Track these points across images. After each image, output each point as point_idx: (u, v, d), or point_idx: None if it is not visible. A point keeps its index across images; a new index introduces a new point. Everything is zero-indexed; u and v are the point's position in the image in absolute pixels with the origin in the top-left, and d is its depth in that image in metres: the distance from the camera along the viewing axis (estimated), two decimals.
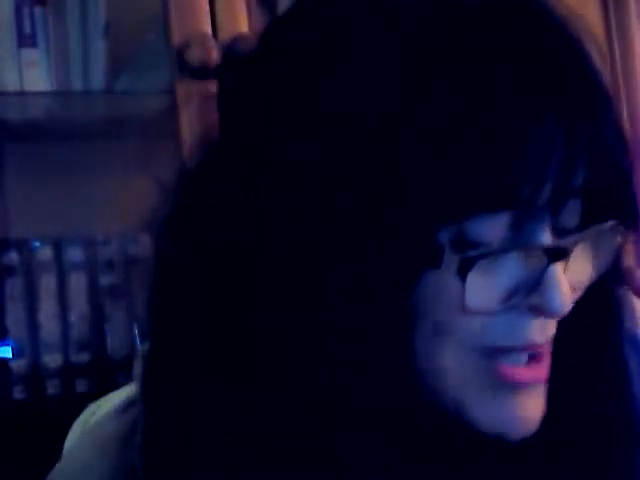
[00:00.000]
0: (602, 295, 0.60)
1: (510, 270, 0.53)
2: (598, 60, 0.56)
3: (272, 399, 0.54)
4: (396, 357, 0.53)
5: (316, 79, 0.54)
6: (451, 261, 0.52)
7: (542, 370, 0.56)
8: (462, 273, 0.52)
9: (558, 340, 0.57)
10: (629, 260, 0.59)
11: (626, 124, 1.86)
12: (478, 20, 0.53)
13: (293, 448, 0.54)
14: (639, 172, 0.58)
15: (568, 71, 0.54)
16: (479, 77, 0.51)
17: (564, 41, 0.55)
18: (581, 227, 0.56)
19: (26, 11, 1.48)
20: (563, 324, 0.56)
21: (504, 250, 0.53)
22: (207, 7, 1.32)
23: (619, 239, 0.57)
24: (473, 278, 0.52)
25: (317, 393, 0.53)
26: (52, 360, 1.46)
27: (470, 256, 0.52)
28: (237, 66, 0.59)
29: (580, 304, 0.57)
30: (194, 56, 1.25)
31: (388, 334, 0.52)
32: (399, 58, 0.52)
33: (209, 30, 1.30)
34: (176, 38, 1.30)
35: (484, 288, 0.52)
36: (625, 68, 1.71)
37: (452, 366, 0.55)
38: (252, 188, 0.54)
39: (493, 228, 0.53)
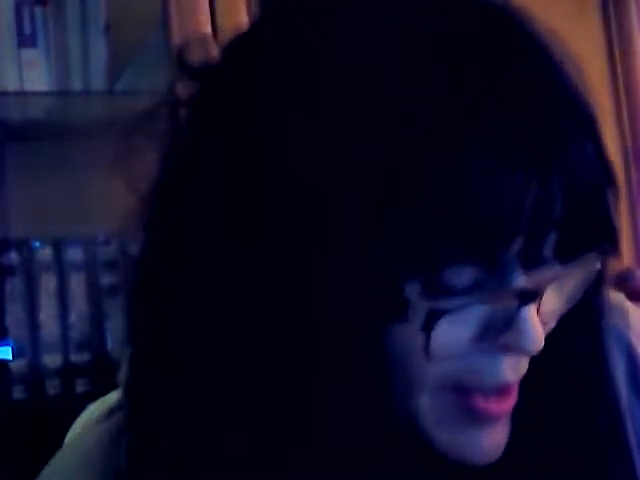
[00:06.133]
0: (581, 324, 0.58)
1: (479, 316, 0.52)
2: (579, 83, 0.54)
3: (254, 403, 0.53)
4: (372, 397, 0.52)
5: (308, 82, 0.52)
6: (419, 311, 0.51)
7: (510, 402, 0.55)
8: (427, 327, 0.51)
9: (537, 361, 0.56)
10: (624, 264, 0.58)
11: (626, 125, 1.85)
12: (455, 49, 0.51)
13: (273, 455, 0.53)
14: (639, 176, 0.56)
15: (541, 111, 0.51)
16: (446, 125, 0.49)
17: (533, 72, 0.52)
18: (557, 254, 0.54)
19: (26, 11, 1.48)
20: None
21: (472, 302, 0.51)
22: (207, 7, 1.33)
23: (597, 267, 0.55)
24: (440, 328, 0.51)
25: (291, 401, 0.53)
26: (52, 360, 1.46)
27: (436, 310, 0.51)
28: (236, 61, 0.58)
29: (560, 325, 0.56)
30: (194, 56, 1.24)
31: (362, 374, 0.52)
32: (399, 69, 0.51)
33: (209, 30, 1.30)
34: (176, 38, 1.30)
35: (451, 336, 0.51)
36: (625, 68, 1.71)
37: (425, 405, 0.54)
38: (234, 184, 0.53)
39: (464, 275, 0.51)
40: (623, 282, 1.56)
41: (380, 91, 0.51)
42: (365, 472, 0.53)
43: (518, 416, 0.56)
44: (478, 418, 0.55)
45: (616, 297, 0.68)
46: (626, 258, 1.62)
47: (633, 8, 1.71)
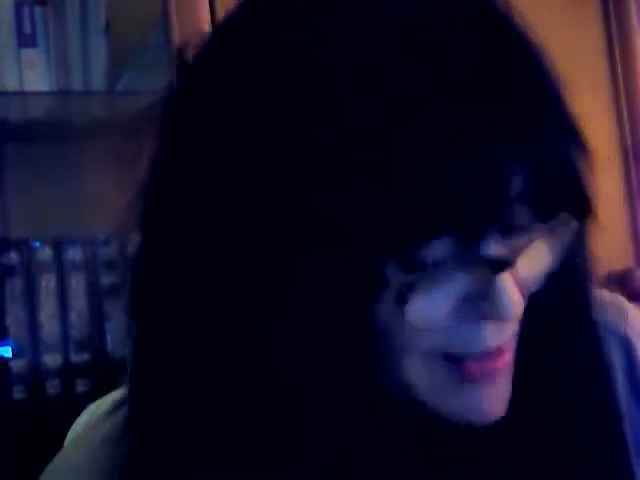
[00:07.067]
0: (567, 287, 0.59)
1: (454, 286, 0.53)
2: (538, 57, 0.54)
3: (254, 396, 0.54)
4: (361, 372, 0.53)
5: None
6: (395, 287, 0.52)
7: (505, 358, 0.56)
8: (401, 301, 0.52)
9: (528, 333, 0.57)
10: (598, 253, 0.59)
11: (626, 125, 1.85)
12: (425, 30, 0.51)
13: (272, 446, 0.54)
14: None
15: (503, 90, 0.51)
16: (423, 104, 0.50)
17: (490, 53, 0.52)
18: (536, 219, 0.55)
19: (26, 11, 1.49)
20: (530, 318, 0.56)
21: (446, 273, 0.52)
22: (207, 7, 1.33)
23: (573, 229, 0.56)
24: (416, 299, 0.52)
25: (287, 389, 0.53)
26: (52, 360, 1.46)
27: (408, 282, 0.51)
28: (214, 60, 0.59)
29: (546, 297, 0.57)
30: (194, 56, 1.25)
31: (351, 350, 0.52)
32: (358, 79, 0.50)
33: (209, 30, 1.30)
34: (176, 38, 1.30)
35: (430, 309, 0.52)
36: (625, 68, 1.71)
37: (420, 376, 0.55)
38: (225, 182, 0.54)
39: (438, 249, 0.52)
40: (623, 282, 1.56)
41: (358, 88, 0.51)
42: (368, 455, 0.54)
43: (511, 413, 0.57)
44: (475, 379, 0.55)
45: (616, 298, 0.68)
46: (626, 258, 1.62)
47: (633, 8, 1.71)
